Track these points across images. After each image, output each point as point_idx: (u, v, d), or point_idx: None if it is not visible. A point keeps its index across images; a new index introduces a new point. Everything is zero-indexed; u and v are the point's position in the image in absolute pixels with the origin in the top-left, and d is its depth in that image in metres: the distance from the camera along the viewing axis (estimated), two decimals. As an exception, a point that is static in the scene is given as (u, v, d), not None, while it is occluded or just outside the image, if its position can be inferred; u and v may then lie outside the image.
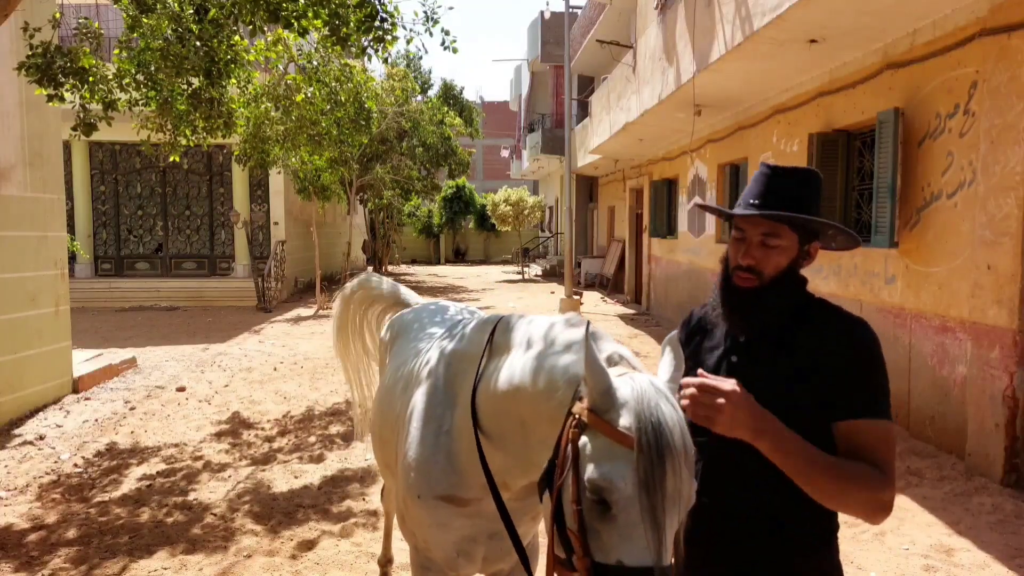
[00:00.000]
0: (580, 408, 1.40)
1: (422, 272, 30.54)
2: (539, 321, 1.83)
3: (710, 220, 11.96)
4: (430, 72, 35.85)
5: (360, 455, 5.90)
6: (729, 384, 1.41)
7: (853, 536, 4.29)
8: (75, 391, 7.99)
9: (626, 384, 1.38)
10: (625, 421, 1.32)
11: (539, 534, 2.36)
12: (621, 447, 1.30)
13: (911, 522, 4.50)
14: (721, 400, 1.40)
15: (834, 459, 1.47)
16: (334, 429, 6.70)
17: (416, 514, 2.02)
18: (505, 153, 38.66)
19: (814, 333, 1.61)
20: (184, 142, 7.45)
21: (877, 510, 1.48)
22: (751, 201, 1.65)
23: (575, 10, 21.27)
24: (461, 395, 1.97)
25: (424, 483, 1.98)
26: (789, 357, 1.60)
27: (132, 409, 7.43)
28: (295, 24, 5.58)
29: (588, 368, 1.37)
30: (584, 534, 1.32)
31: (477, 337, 2.01)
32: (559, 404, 1.53)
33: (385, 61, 6.24)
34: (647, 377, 1.42)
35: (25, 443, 6.26)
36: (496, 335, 1.92)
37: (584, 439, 1.37)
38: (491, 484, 1.82)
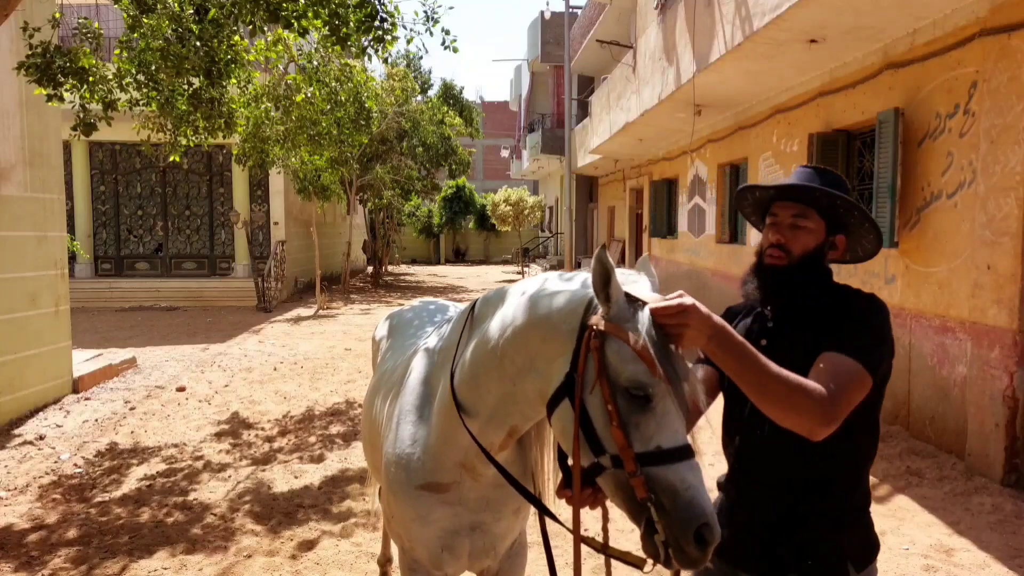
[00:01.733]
0: (597, 320, 1.53)
1: (422, 272, 30.54)
2: (523, 281, 1.89)
3: (710, 220, 11.96)
4: (430, 72, 35.85)
5: (360, 455, 5.90)
6: (688, 300, 1.48)
7: (853, 536, 4.29)
8: (75, 391, 7.99)
9: (634, 306, 1.52)
10: (641, 324, 1.48)
11: (524, 532, 2.36)
12: (645, 348, 1.46)
13: (911, 522, 4.50)
14: (685, 315, 1.48)
15: (781, 370, 1.54)
16: (334, 429, 6.70)
17: (398, 510, 2.04)
18: (505, 153, 38.68)
19: (835, 313, 1.73)
20: (184, 142, 7.45)
21: (816, 423, 1.52)
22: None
23: (575, 10, 21.28)
24: (439, 384, 1.99)
25: (404, 476, 2.00)
26: (814, 337, 1.70)
27: (132, 409, 7.43)
28: (295, 24, 5.58)
29: (612, 285, 1.51)
30: (626, 428, 1.46)
31: (457, 324, 2.03)
32: (564, 323, 1.61)
33: (385, 61, 6.24)
34: (647, 287, 1.58)
35: (25, 443, 6.26)
36: (477, 309, 1.94)
37: (613, 345, 1.49)
38: (484, 452, 1.86)
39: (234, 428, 6.76)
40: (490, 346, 1.78)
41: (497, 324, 1.79)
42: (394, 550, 3.80)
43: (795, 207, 1.78)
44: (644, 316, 1.49)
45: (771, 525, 1.76)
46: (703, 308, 1.48)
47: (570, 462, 1.59)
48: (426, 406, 2.03)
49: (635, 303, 1.52)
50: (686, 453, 1.45)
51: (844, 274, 7.26)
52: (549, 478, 1.99)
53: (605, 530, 1.87)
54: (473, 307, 1.97)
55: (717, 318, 1.51)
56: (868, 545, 1.76)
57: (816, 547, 1.71)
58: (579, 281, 1.67)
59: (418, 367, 2.15)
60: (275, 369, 9.58)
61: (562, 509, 1.86)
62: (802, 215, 1.77)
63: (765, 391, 1.52)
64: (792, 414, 1.52)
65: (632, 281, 1.60)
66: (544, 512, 1.89)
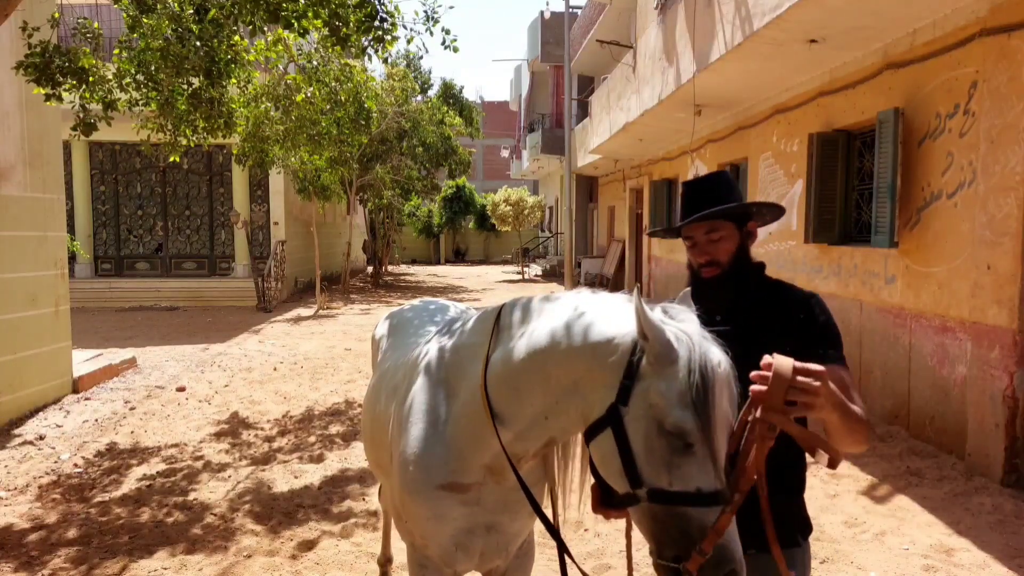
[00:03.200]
0: (644, 363, 1.57)
1: (422, 272, 30.54)
2: (555, 297, 1.91)
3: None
4: (430, 72, 35.85)
5: (360, 455, 5.89)
6: (818, 367, 1.54)
7: (853, 536, 4.29)
8: (75, 391, 7.99)
9: (677, 336, 1.56)
10: (683, 370, 1.52)
11: (533, 532, 2.37)
12: (687, 393, 1.50)
13: (911, 522, 4.49)
14: (818, 383, 1.52)
15: (851, 405, 1.69)
16: (334, 429, 6.70)
17: (414, 509, 2.02)
18: (505, 153, 38.67)
19: (778, 303, 1.95)
20: (184, 142, 7.45)
21: (866, 441, 1.75)
22: (686, 217, 2.02)
23: (575, 10, 21.28)
24: (462, 386, 1.96)
25: (423, 475, 1.97)
26: (760, 327, 1.89)
27: (132, 409, 7.43)
28: (295, 24, 5.57)
29: (646, 327, 1.54)
30: (668, 467, 1.52)
31: (481, 327, 2.01)
32: (610, 356, 1.63)
33: (385, 61, 6.24)
34: (694, 327, 1.59)
35: (25, 443, 6.25)
36: (503, 317, 1.93)
37: (657, 387, 1.53)
38: (510, 463, 1.88)
39: (234, 428, 6.76)
40: (534, 361, 1.77)
41: (543, 339, 1.77)
42: (394, 550, 3.80)
43: (704, 225, 1.99)
44: (692, 360, 1.52)
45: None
46: (831, 381, 1.57)
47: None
48: (443, 406, 2.00)
49: (683, 342, 1.54)
50: (724, 498, 1.51)
51: (845, 274, 7.28)
52: (572, 490, 2.03)
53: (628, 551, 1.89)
54: (499, 312, 1.96)
55: (834, 387, 1.60)
56: (806, 515, 1.99)
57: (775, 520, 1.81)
58: (622, 310, 1.70)
59: (429, 367, 2.12)
60: (275, 369, 9.58)
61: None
62: (712, 229, 1.98)
63: (854, 433, 1.70)
64: (855, 446, 1.74)
65: (682, 318, 1.63)
66: (554, 536, 1.96)
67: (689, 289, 1.86)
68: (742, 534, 1.79)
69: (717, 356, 1.55)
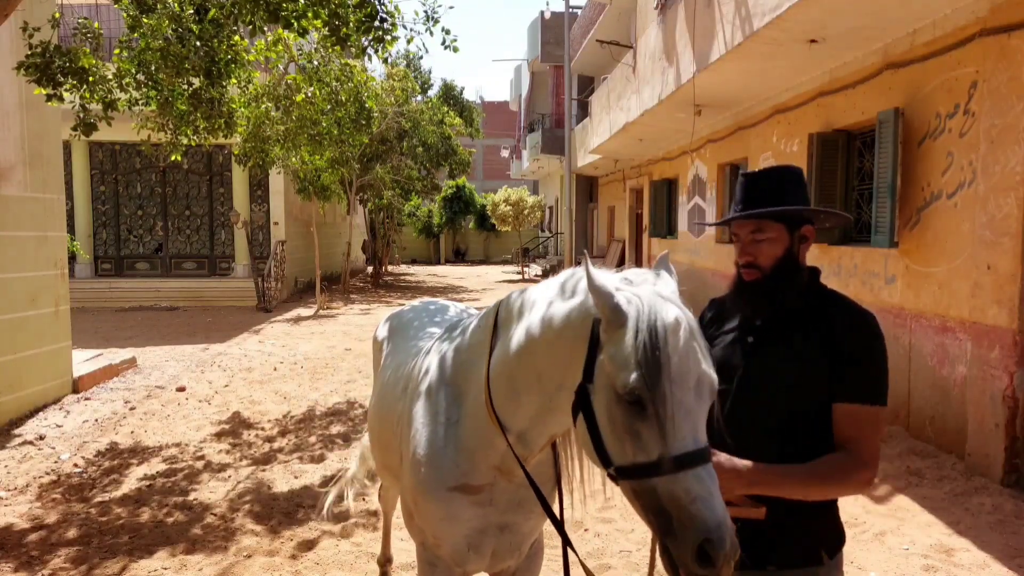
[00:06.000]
0: (601, 333, 1.53)
1: (422, 272, 30.54)
2: (543, 283, 1.88)
3: (710, 220, 11.96)
4: (430, 72, 35.79)
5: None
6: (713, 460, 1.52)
7: (853, 536, 4.29)
8: (75, 391, 7.98)
9: (628, 298, 1.51)
10: (630, 331, 1.46)
11: (542, 533, 2.36)
12: (634, 353, 1.43)
13: (911, 522, 4.49)
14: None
15: (809, 468, 1.69)
16: (334, 429, 6.70)
17: (426, 510, 2.02)
18: (505, 153, 38.66)
19: (825, 318, 1.78)
20: (184, 142, 7.45)
21: (858, 489, 1.76)
22: (736, 208, 1.88)
23: (575, 10, 21.28)
24: (469, 386, 1.97)
25: (436, 477, 1.98)
26: (802, 338, 1.78)
27: (132, 409, 7.43)
28: (295, 24, 5.57)
29: (593, 292, 1.51)
30: (628, 438, 1.45)
31: (483, 323, 2.01)
32: (575, 335, 1.61)
33: (385, 61, 6.24)
34: (649, 288, 1.54)
35: (25, 443, 6.25)
36: (501, 313, 1.93)
37: (608, 352, 1.49)
38: (520, 464, 1.86)
39: (234, 428, 6.76)
40: (524, 360, 1.76)
41: (526, 338, 1.76)
42: (394, 550, 3.80)
43: (751, 223, 1.84)
44: (640, 319, 1.45)
45: (749, 520, 1.81)
46: (726, 463, 1.61)
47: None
48: (453, 407, 2.00)
49: (639, 306, 1.48)
50: (694, 459, 1.40)
51: (845, 274, 7.27)
52: (583, 479, 1.94)
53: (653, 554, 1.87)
54: (498, 310, 1.95)
55: (746, 466, 1.64)
56: (838, 534, 1.87)
57: (792, 536, 1.79)
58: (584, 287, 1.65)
59: (437, 368, 2.12)
60: (275, 369, 9.57)
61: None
62: (758, 229, 1.83)
63: (809, 497, 1.71)
64: (837, 495, 1.76)
65: (642, 281, 1.58)
66: (559, 530, 1.91)
67: (667, 253, 1.81)
68: (754, 551, 1.76)
69: (672, 314, 1.47)
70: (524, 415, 1.81)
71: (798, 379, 1.75)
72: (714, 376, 1.50)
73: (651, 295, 1.51)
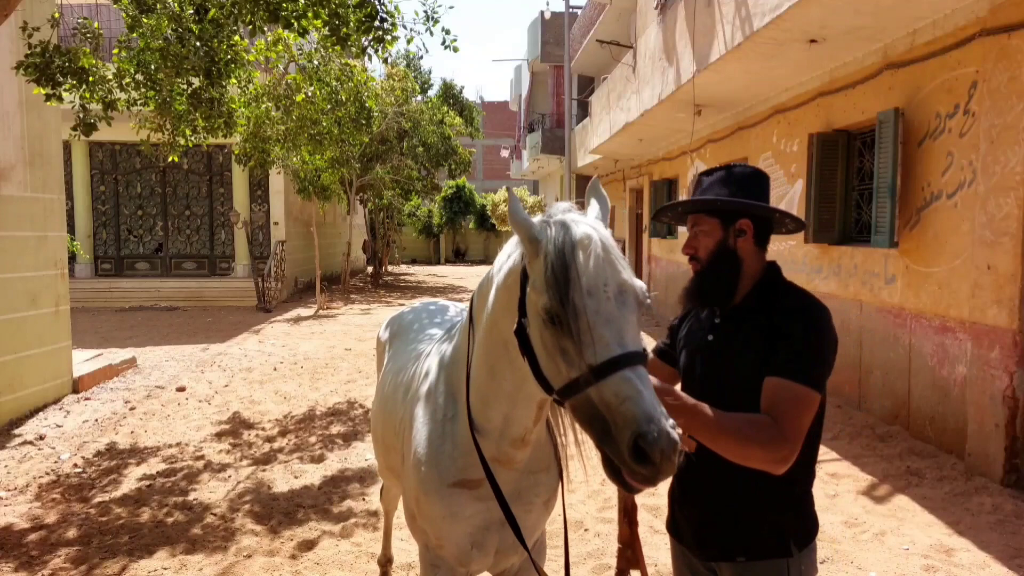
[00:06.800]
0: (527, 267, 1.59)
1: (422, 272, 30.54)
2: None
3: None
4: (430, 72, 35.85)
5: (360, 455, 5.90)
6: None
7: (853, 536, 4.29)
8: (75, 391, 7.98)
9: (543, 227, 1.57)
10: (542, 254, 1.53)
11: (545, 532, 2.36)
12: (545, 272, 1.50)
13: (911, 522, 4.49)
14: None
15: (733, 420, 1.66)
16: (334, 429, 6.70)
17: (429, 509, 2.03)
18: (505, 153, 38.66)
19: (774, 309, 1.82)
20: (184, 142, 7.45)
21: (773, 464, 1.66)
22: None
23: (575, 10, 21.28)
24: (462, 383, 1.99)
25: (435, 474, 1.99)
26: (751, 329, 1.82)
27: (132, 409, 7.43)
28: (295, 24, 5.57)
29: (512, 225, 1.56)
30: (560, 357, 1.48)
31: (463, 324, 2.06)
32: (514, 280, 1.65)
33: (385, 61, 6.24)
34: (564, 216, 1.58)
35: (25, 443, 6.25)
36: (474, 301, 1.96)
37: (531, 282, 1.55)
38: (486, 468, 1.90)
39: (234, 428, 6.76)
40: (491, 333, 1.80)
41: (489, 308, 1.81)
42: (394, 550, 3.80)
43: (692, 217, 1.93)
44: (550, 242, 1.50)
45: (718, 510, 1.85)
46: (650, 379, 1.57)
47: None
48: (449, 404, 2.03)
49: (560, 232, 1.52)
50: (620, 362, 1.40)
51: (845, 274, 7.27)
52: (582, 442, 1.90)
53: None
54: (472, 302, 1.99)
55: (665, 386, 1.63)
56: (809, 525, 1.87)
57: (760, 528, 1.81)
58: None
59: (435, 369, 2.16)
60: (275, 369, 9.57)
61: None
62: (696, 223, 1.91)
63: (719, 447, 1.65)
64: (747, 462, 1.66)
65: (562, 211, 1.62)
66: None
67: (597, 179, 1.86)
68: (723, 542, 1.83)
69: (581, 231, 1.51)
70: (504, 393, 1.83)
71: (752, 372, 1.77)
72: (638, 284, 1.53)
73: (564, 220, 1.55)
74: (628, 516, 2.11)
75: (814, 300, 1.84)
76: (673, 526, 2.02)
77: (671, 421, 1.36)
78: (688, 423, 1.62)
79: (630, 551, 2.11)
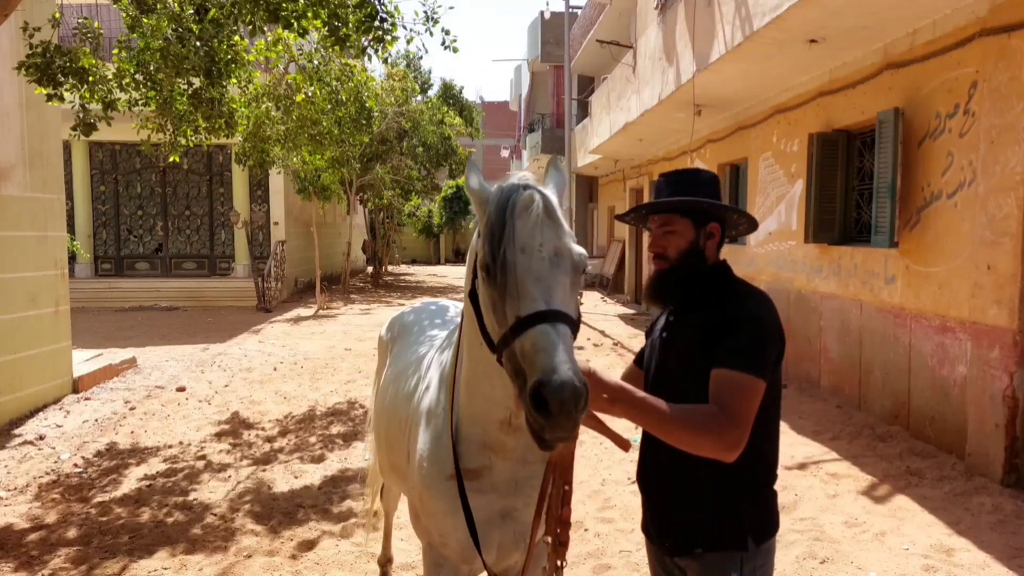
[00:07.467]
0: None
1: (422, 272, 30.54)
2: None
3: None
4: (430, 72, 35.85)
5: (360, 455, 5.90)
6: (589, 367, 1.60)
7: (853, 536, 4.29)
8: (75, 391, 7.98)
9: (497, 189, 1.62)
10: (486, 215, 1.59)
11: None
12: (481, 229, 1.58)
13: (911, 522, 4.49)
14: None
15: (676, 407, 1.68)
16: (335, 429, 6.70)
17: (431, 505, 2.04)
18: (505, 153, 38.68)
19: (722, 302, 1.88)
20: (184, 142, 7.45)
21: (722, 451, 1.68)
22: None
23: (575, 10, 21.26)
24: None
25: (435, 468, 2.02)
26: (700, 325, 1.87)
27: (132, 409, 7.43)
28: (295, 24, 5.58)
29: (467, 192, 1.64)
30: (497, 312, 1.53)
31: (456, 327, 2.11)
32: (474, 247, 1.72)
33: (385, 61, 6.24)
34: (519, 180, 1.62)
35: (25, 443, 6.25)
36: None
37: (476, 240, 1.62)
38: (457, 470, 1.94)
39: (234, 428, 6.76)
40: (467, 309, 1.84)
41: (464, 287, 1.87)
42: (395, 550, 3.80)
43: (660, 218, 1.98)
44: (493, 203, 1.55)
45: (676, 502, 1.90)
46: (601, 375, 1.60)
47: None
48: (447, 402, 2.06)
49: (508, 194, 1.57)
50: (541, 317, 1.42)
51: (845, 274, 7.27)
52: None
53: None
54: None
55: (613, 382, 1.64)
56: (768, 520, 1.90)
57: (717, 519, 1.83)
58: None
59: (435, 368, 2.20)
60: (275, 369, 9.57)
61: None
62: (666, 223, 1.96)
63: (670, 438, 1.68)
64: (698, 451, 1.68)
65: (516, 178, 1.66)
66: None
67: (559, 157, 1.94)
68: (682, 534, 1.87)
69: (527, 192, 1.56)
70: (483, 372, 1.84)
71: (698, 364, 1.80)
72: (577, 249, 1.57)
73: (513, 183, 1.60)
74: (563, 475, 1.97)
75: (756, 291, 1.92)
76: (644, 525, 2.07)
77: (582, 379, 1.36)
78: (638, 416, 1.66)
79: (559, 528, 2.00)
